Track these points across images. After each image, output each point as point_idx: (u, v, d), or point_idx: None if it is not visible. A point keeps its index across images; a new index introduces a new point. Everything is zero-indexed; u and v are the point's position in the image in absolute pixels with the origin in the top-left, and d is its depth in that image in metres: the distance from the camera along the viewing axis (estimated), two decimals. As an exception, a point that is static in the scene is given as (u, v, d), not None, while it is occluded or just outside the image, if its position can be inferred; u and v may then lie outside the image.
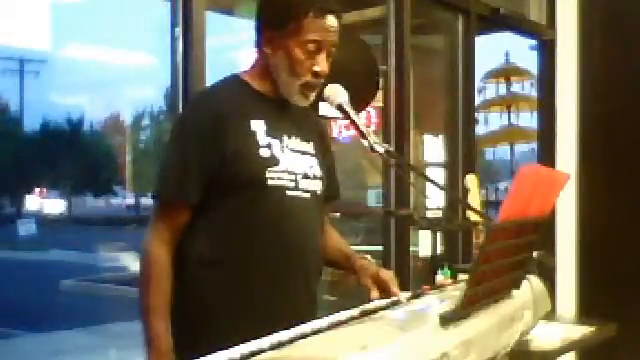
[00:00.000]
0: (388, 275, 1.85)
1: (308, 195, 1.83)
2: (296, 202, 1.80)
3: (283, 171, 1.78)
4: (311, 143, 1.90)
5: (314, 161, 1.88)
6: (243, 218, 1.75)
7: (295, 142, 1.85)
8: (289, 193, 1.78)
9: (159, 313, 1.72)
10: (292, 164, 1.81)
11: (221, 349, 1.20)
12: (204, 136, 1.74)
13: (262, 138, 1.77)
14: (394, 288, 1.80)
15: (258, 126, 1.78)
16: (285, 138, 1.82)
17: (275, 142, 1.79)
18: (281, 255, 1.78)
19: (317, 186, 1.87)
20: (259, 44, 1.82)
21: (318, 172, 1.88)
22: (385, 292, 1.79)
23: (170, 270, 1.74)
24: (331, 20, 1.77)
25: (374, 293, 1.79)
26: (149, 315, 1.72)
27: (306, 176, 1.83)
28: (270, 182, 1.75)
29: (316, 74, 1.78)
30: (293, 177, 1.80)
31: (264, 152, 1.77)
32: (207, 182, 1.74)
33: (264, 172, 1.75)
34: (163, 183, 1.81)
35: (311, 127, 1.94)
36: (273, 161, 1.77)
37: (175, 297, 1.75)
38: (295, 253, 1.80)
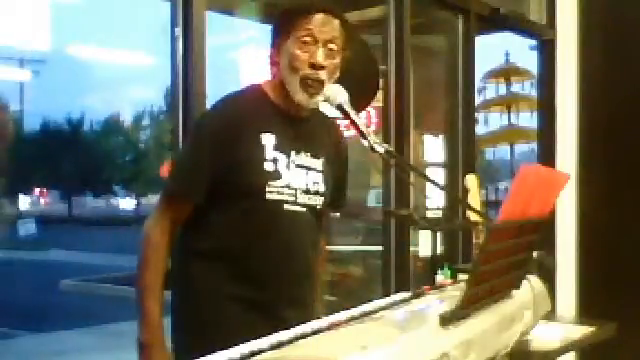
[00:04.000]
0: None
1: (305, 209, 1.91)
2: (291, 216, 1.88)
3: (283, 186, 1.86)
4: (321, 159, 1.97)
5: (320, 177, 1.96)
6: (240, 224, 1.85)
7: (303, 158, 1.92)
8: (286, 207, 1.87)
9: (153, 292, 1.83)
10: (295, 180, 1.89)
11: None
12: (217, 142, 1.82)
13: (269, 152, 1.86)
14: None
15: (268, 140, 1.86)
16: (293, 154, 1.89)
17: (281, 157, 1.87)
18: (271, 261, 1.87)
19: (317, 201, 1.95)
20: (273, 57, 1.91)
21: (322, 188, 1.96)
22: None
23: (166, 256, 1.86)
24: (323, 17, 1.85)
25: None
26: (143, 293, 1.84)
27: (307, 191, 1.91)
28: (269, 196, 1.84)
29: (313, 65, 1.83)
30: (293, 192, 1.88)
31: (268, 166, 1.85)
32: (213, 184, 1.83)
33: (264, 186, 1.84)
34: (173, 178, 1.92)
35: (325, 142, 2.00)
36: (275, 175, 1.85)
37: (177, 288, 1.90)
38: (284, 261, 1.89)
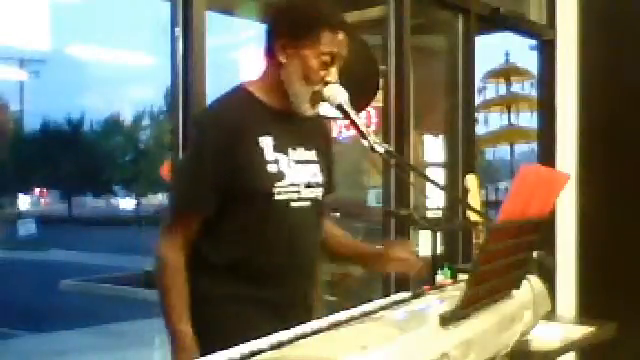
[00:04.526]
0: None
1: (309, 203, 1.95)
2: (298, 212, 1.91)
3: (288, 185, 1.89)
4: (314, 150, 1.99)
5: (317, 168, 1.99)
6: (251, 227, 1.87)
7: (300, 153, 1.94)
8: (292, 204, 1.90)
9: (180, 314, 1.82)
10: (297, 176, 1.91)
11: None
12: (218, 152, 1.83)
13: (269, 154, 1.87)
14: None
15: (266, 142, 1.88)
16: (291, 151, 1.92)
17: (282, 157, 1.89)
18: (279, 260, 1.89)
19: (318, 192, 1.98)
20: (271, 54, 1.90)
21: (320, 179, 1.99)
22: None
23: (185, 273, 1.85)
24: (343, 36, 1.88)
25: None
26: (171, 317, 1.83)
27: (309, 185, 1.94)
28: (277, 197, 1.87)
29: (327, 84, 1.86)
30: (296, 189, 1.91)
31: (271, 168, 1.87)
32: (219, 194, 1.84)
33: (272, 188, 1.86)
34: (178, 195, 1.95)
35: (315, 133, 2.03)
36: (279, 176, 1.87)
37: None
38: (291, 259, 1.91)
